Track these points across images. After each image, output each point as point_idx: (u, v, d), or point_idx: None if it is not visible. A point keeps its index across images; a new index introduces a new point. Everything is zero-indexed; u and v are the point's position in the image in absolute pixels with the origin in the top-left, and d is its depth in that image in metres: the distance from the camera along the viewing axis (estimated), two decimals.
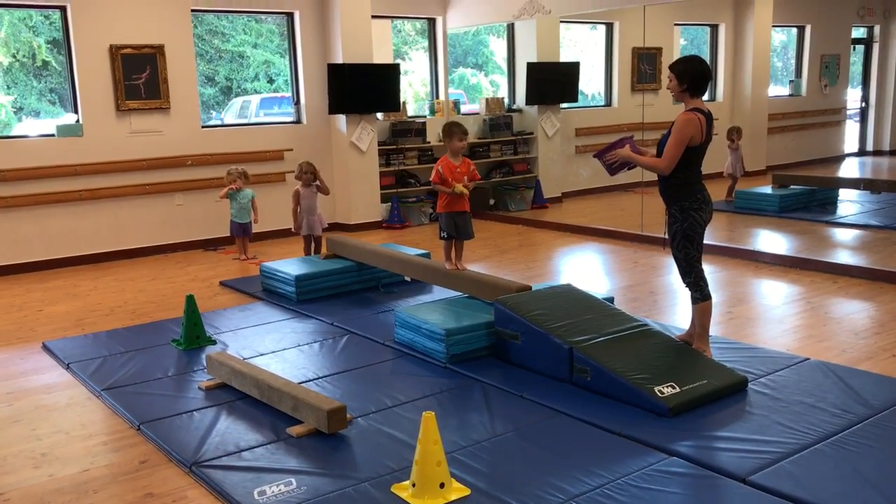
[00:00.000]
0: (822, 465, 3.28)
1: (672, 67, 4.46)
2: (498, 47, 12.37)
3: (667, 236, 4.60)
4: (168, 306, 6.22)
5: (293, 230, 7.37)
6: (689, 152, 4.34)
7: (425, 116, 10.15)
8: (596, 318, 4.56)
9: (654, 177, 4.55)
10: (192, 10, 8.34)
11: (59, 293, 6.81)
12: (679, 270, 4.57)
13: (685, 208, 4.40)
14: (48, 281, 7.24)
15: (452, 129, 5.50)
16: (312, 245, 7.36)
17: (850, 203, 9.78)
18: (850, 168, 13.61)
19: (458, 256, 5.62)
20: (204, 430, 3.84)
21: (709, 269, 6.78)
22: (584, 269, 7.52)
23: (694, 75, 4.38)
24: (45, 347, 5.28)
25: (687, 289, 4.58)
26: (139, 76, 7.95)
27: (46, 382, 4.68)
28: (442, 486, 3.04)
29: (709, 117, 4.42)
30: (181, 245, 8.42)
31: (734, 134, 9.95)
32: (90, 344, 5.25)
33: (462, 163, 5.52)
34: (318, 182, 7.26)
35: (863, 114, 14.40)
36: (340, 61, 8.90)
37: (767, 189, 9.79)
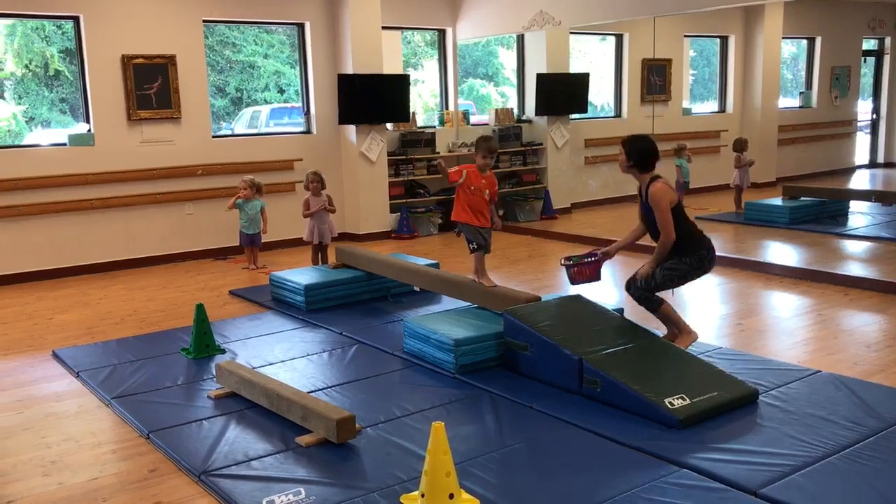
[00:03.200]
0: (834, 479, 3.25)
1: (623, 144, 4.72)
2: (507, 58, 12.40)
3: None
4: (178, 315, 6.24)
5: (305, 238, 7.39)
6: (674, 212, 4.60)
7: (435, 127, 10.17)
8: (606, 329, 4.55)
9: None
10: (204, 21, 8.39)
11: (70, 301, 6.83)
12: (636, 282, 4.74)
13: (691, 262, 4.63)
14: (58, 289, 7.27)
15: (479, 144, 5.26)
16: (320, 254, 7.38)
17: (860, 215, 9.74)
18: (860, 180, 13.56)
19: (483, 271, 5.33)
20: (213, 439, 3.84)
21: (718, 281, 6.80)
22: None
23: (641, 153, 4.65)
24: (55, 356, 5.30)
25: (636, 301, 4.78)
26: (151, 86, 8.00)
27: (56, 390, 4.69)
28: (451, 496, 3.02)
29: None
30: (191, 254, 8.44)
31: (741, 145, 9.92)
32: (100, 352, 5.26)
33: (488, 176, 5.29)
34: (327, 194, 7.30)
35: (873, 125, 14.35)
36: (351, 72, 8.93)
37: (778, 201, 9.76)
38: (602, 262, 4.93)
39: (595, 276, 4.94)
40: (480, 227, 5.27)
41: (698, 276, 4.72)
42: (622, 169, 4.74)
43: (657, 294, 4.74)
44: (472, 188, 5.20)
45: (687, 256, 4.63)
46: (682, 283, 4.73)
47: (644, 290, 4.71)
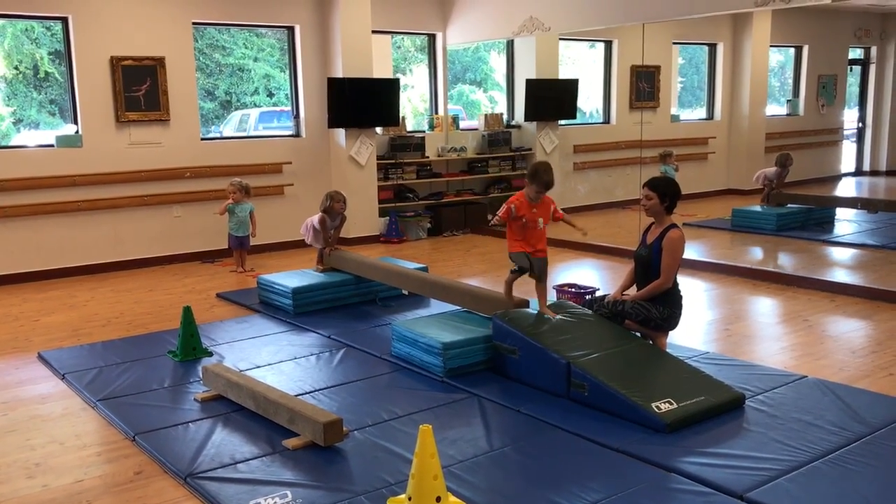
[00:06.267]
0: (819, 483, 3.27)
1: (654, 187, 4.72)
2: (497, 64, 12.41)
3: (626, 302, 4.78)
4: (165, 318, 6.21)
5: (322, 247, 6.75)
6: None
7: (424, 131, 10.18)
8: (593, 333, 4.56)
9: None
10: (194, 23, 8.38)
11: (56, 303, 6.79)
12: (604, 302, 4.81)
13: (661, 314, 4.65)
14: (45, 291, 7.22)
15: (535, 177, 4.68)
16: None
17: (846, 222, 9.80)
18: (846, 187, 13.65)
19: (542, 303, 4.84)
20: (199, 441, 3.82)
21: (706, 286, 6.83)
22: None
23: (674, 197, 4.71)
24: (41, 357, 5.27)
25: (598, 305, 4.86)
26: (139, 88, 7.97)
27: (41, 392, 4.66)
28: (438, 499, 3.02)
29: None
30: (179, 257, 8.41)
31: (787, 160, 9.91)
32: (86, 354, 5.24)
33: (541, 203, 4.76)
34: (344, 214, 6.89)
35: (859, 134, 14.46)
36: (340, 75, 8.93)
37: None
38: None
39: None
40: (538, 259, 4.81)
41: (655, 330, 4.69)
42: (649, 210, 4.74)
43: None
44: (524, 220, 4.71)
45: (663, 307, 4.65)
46: (640, 327, 4.70)
47: (609, 310, 4.76)
